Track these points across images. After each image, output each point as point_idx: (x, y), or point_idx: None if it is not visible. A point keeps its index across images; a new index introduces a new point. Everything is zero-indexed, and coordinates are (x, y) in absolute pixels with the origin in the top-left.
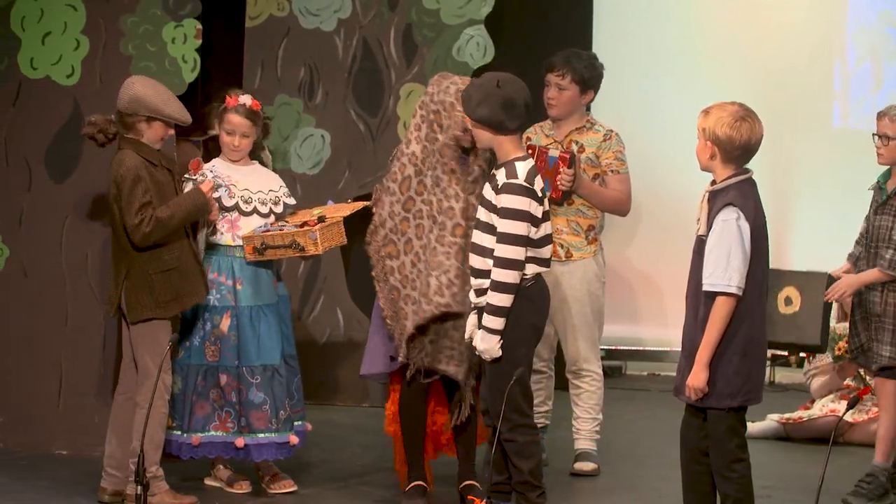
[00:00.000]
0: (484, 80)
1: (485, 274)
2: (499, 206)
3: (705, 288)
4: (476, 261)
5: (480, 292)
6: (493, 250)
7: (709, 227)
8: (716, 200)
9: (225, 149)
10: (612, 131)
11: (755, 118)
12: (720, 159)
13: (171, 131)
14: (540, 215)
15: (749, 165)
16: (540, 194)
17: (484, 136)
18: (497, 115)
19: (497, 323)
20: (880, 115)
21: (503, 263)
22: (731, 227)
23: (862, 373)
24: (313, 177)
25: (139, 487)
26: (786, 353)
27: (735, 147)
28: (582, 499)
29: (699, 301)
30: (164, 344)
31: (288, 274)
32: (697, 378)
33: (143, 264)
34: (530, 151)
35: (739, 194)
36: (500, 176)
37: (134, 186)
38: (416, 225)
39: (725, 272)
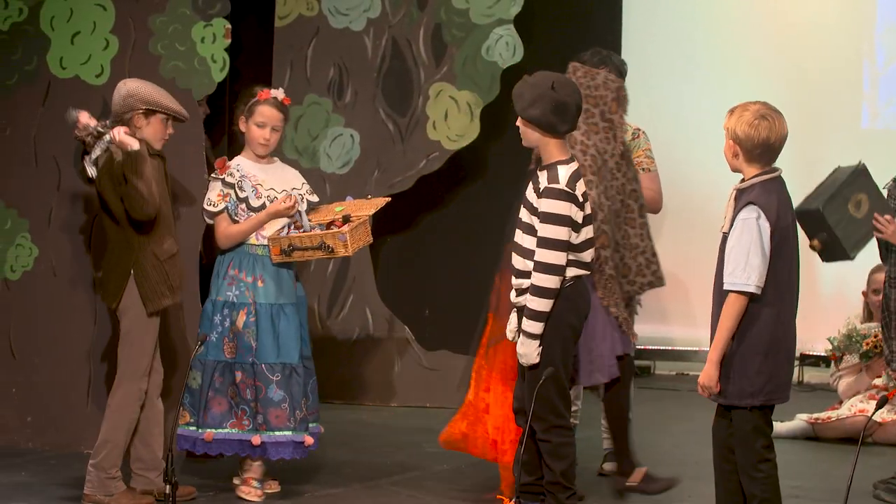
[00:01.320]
0: (538, 79)
1: (526, 274)
2: (539, 210)
3: (725, 287)
4: (517, 261)
5: (521, 292)
6: (533, 252)
7: (732, 225)
8: (741, 199)
9: (253, 143)
10: (639, 129)
11: (777, 117)
12: (743, 158)
13: (171, 131)
14: (581, 220)
15: (777, 166)
16: (581, 199)
17: (532, 136)
18: (548, 118)
19: (536, 328)
20: None
21: (543, 268)
22: (751, 225)
23: (890, 373)
24: (342, 176)
25: (167, 487)
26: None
27: (755, 145)
28: (610, 499)
29: (723, 299)
30: (147, 346)
31: (317, 273)
32: (706, 375)
33: (150, 252)
34: None
35: (762, 193)
36: (543, 179)
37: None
38: (612, 211)
39: (744, 271)
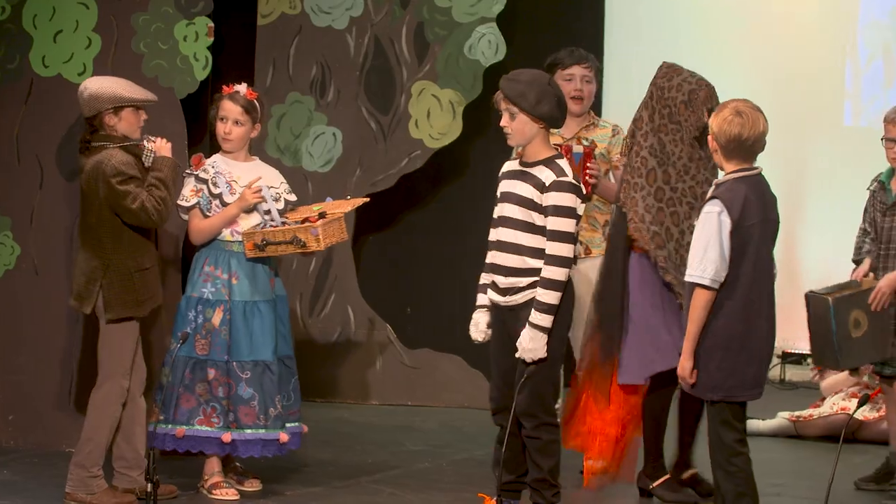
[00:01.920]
0: (532, 77)
1: (521, 272)
2: (547, 204)
3: (685, 278)
4: (511, 259)
5: (510, 291)
6: (531, 248)
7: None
8: (711, 193)
9: (217, 138)
10: (617, 126)
11: (753, 114)
12: (721, 154)
13: (144, 115)
14: (581, 214)
15: (760, 163)
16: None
17: (530, 132)
18: (554, 112)
19: (548, 321)
20: (885, 120)
21: (557, 262)
22: (712, 220)
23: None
24: (324, 175)
25: (149, 486)
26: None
27: (728, 141)
28: (592, 496)
29: (688, 291)
30: (127, 347)
31: (298, 272)
32: (680, 366)
33: (123, 262)
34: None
35: (729, 189)
36: (544, 174)
37: (126, 181)
38: (670, 213)
39: (700, 263)
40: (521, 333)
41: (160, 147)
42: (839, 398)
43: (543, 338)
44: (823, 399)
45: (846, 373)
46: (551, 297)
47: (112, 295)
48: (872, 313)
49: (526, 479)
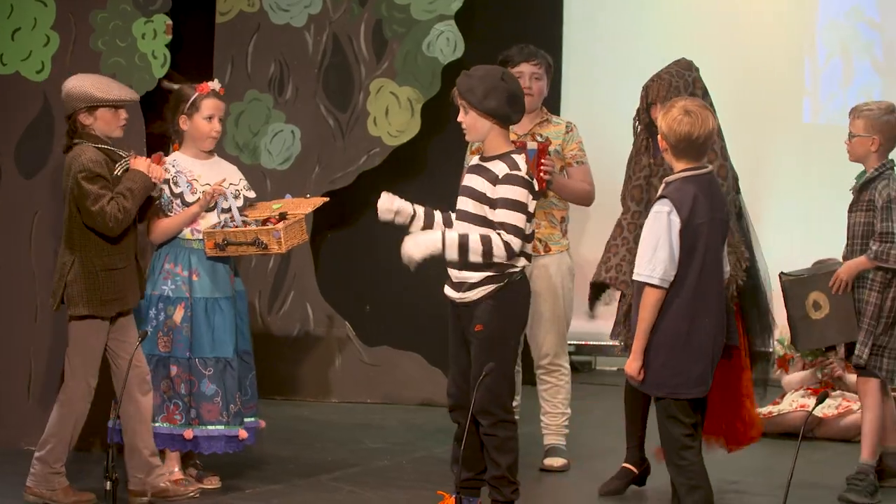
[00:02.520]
0: (485, 72)
1: (472, 266)
2: (497, 197)
3: (633, 277)
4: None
5: (462, 286)
6: None
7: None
8: (661, 191)
9: (203, 137)
10: (570, 123)
11: (701, 113)
12: (671, 153)
13: (124, 114)
14: (532, 211)
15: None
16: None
17: (483, 129)
18: (504, 108)
19: (453, 255)
20: (849, 113)
21: (504, 236)
22: (661, 219)
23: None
24: (283, 172)
25: (108, 483)
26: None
27: (679, 140)
28: (552, 494)
29: (637, 289)
30: (94, 345)
31: (257, 269)
32: (629, 365)
33: (90, 260)
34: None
35: (679, 188)
36: (498, 167)
37: (93, 178)
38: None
39: (650, 263)
40: (407, 241)
41: (137, 162)
42: (798, 395)
43: (425, 251)
44: (783, 396)
45: (808, 371)
46: (471, 247)
47: (75, 292)
48: (834, 297)
49: (485, 476)
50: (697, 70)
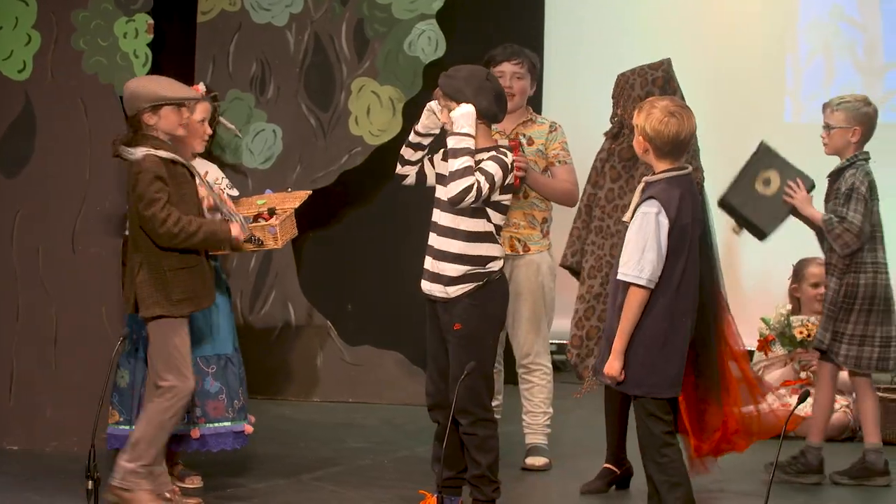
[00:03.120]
0: (470, 73)
1: (445, 256)
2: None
3: (618, 277)
4: (438, 241)
5: (438, 278)
6: (461, 231)
7: (633, 217)
8: (646, 192)
9: (196, 139)
10: (555, 123)
11: (685, 113)
12: (653, 154)
13: (187, 113)
14: (509, 204)
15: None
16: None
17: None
18: (492, 107)
19: (457, 143)
20: (824, 107)
21: (477, 188)
22: (649, 220)
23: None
24: (265, 172)
25: (90, 483)
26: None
27: (665, 142)
28: (533, 493)
29: (619, 288)
30: (177, 344)
31: (239, 268)
32: (609, 365)
33: (157, 260)
34: None
35: (665, 189)
36: (484, 156)
37: (154, 181)
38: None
39: (638, 264)
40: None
41: (234, 226)
42: (780, 394)
43: (468, 119)
44: (765, 394)
45: (789, 367)
46: (463, 162)
47: (145, 293)
48: (784, 167)
49: (466, 475)
50: (669, 69)
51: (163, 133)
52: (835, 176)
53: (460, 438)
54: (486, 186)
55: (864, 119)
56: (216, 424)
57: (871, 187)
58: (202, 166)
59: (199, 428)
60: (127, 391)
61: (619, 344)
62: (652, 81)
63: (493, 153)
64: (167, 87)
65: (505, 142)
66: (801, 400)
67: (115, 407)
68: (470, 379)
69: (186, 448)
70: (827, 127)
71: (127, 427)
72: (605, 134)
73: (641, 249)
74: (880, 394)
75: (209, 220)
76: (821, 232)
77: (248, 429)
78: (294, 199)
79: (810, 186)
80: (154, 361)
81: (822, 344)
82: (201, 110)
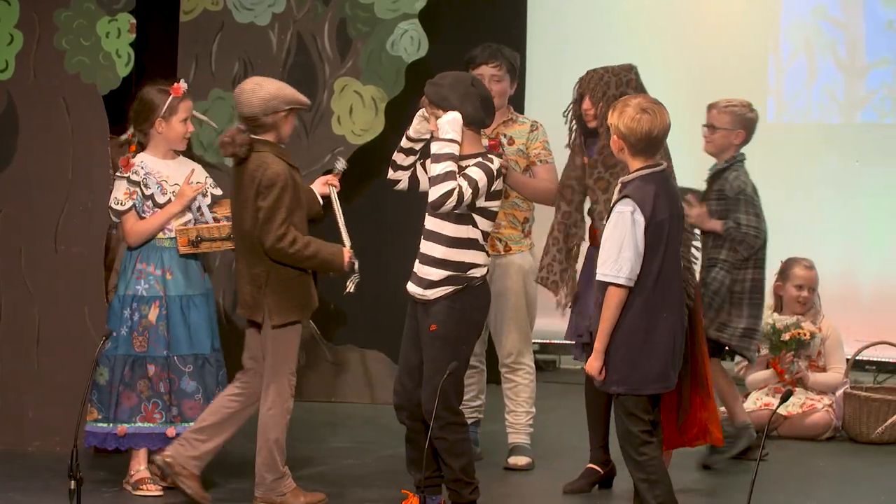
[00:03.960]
0: (454, 79)
1: (432, 261)
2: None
3: (597, 277)
4: (425, 246)
5: (423, 283)
6: (447, 237)
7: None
8: (622, 192)
9: (178, 138)
10: (536, 122)
11: (658, 109)
12: (628, 152)
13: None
14: (495, 209)
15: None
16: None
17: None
18: (479, 113)
19: (441, 148)
20: (709, 107)
21: (458, 192)
22: (625, 219)
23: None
24: None
25: (72, 482)
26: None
27: (639, 139)
28: (516, 493)
29: (598, 288)
30: (295, 348)
31: (221, 268)
32: (590, 365)
33: (285, 267)
34: None
35: (639, 187)
36: (470, 163)
37: (282, 194)
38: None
39: (616, 263)
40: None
41: (346, 251)
42: (763, 394)
43: (454, 127)
44: (747, 395)
45: (770, 371)
46: (445, 167)
47: (276, 301)
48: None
49: (443, 477)
50: (637, 74)
51: (279, 137)
52: (715, 177)
53: (427, 439)
54: (468, 192)
55: (749, 124)
56: (191, 424)
57: (754, 187)
58: (187, 165)
59: (175, 427)
60: (106, 389)
61: (599, 343)
62: (626, 83)
63: (479, 159)
64: (292, 90)
65: (485, 141)
66: (784, 399)
67: (94, 404)
68: (441, 383)
69: (162, 446)
70: (711, 127)
71: (105, 425)
72: (573, 146)
73: (618, 248)
74: (861, 393)
75: (324, 244)
76: (714, 236)
77: None
78: None
79: (701, 198)
80: (278, 367)
81: (707, 331)
82: (184, 109)
